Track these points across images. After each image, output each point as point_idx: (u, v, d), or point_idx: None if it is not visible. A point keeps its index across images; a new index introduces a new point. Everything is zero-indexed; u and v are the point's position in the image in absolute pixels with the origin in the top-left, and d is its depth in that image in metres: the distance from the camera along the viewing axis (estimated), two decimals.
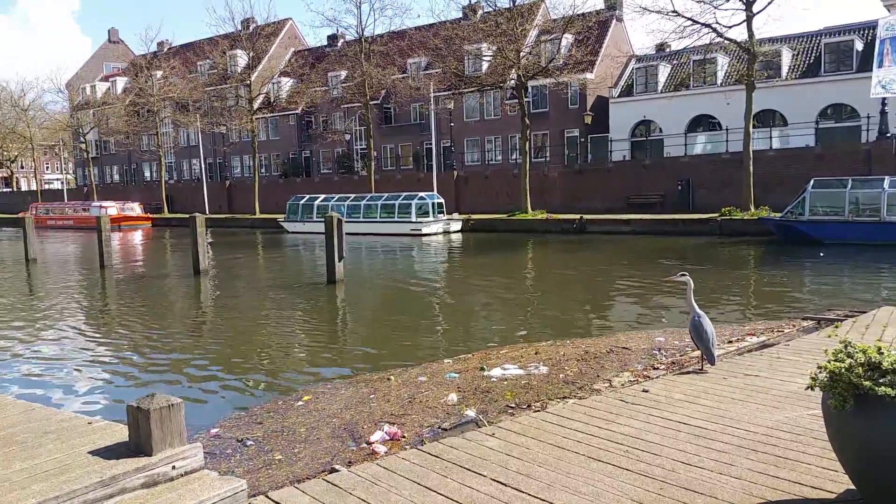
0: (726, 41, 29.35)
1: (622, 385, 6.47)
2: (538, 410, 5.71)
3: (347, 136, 51.62)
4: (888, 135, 28.41)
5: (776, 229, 24.42)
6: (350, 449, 5.35)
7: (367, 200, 36.27)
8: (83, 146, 64.75)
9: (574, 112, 42.58)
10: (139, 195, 58.70)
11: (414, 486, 3.95)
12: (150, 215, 51.74)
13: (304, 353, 10.42)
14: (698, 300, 6.66)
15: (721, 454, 4.25)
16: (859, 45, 34.74)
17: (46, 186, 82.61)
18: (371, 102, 43.51)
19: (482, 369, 7.67)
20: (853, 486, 3.45)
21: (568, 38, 38.41)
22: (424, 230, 32.99)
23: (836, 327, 8.15)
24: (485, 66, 41.59)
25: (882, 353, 3.14)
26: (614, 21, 44.56)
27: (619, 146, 40.16)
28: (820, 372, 3.28)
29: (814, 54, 36.46)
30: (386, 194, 36.76)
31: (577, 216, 32.24)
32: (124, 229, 46.32)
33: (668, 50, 41.76)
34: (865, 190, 22.35)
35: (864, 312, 9.20)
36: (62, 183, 74.15)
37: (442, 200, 35.46)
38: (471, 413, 5.96)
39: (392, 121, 51.71)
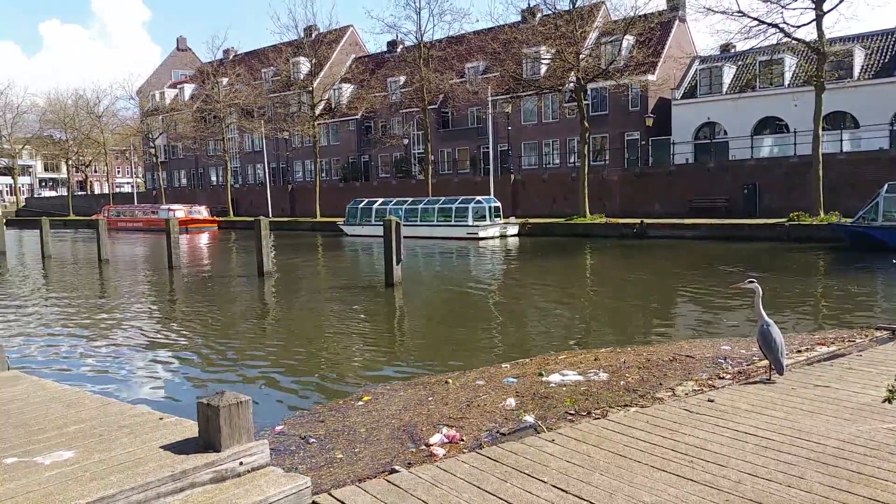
0: (794, 41, 28.39)
1: (686, 394, 6.33)
2: (598, 418, 5.65)
3: (405, 141, 52.12)
4: None
5: (847, 235, 23.46)
6: (409, 450, 5.39)
7: (425, 204, 36.50)
8: (152, 151, 67.31)
9: (635, 114, 41.92)
10: (206, 199, 60.59)
11: (474, 489, 3.96)
12: (216, 218, 53.24)
13: (364, 355, 10.56)
14: (766, 308, 6.47)
15: (790, 467, 4.11)
16: None
17: (118, 190, 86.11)
18: (429, 107, 43.80)
19: (540, 374, 7.63)
20: None
21: (629, 40, 37.83)
22: (481, 234, 32.99)
23: None
24: (543, 69, 41.35)
25: None
26: (677, 22, 43.71)
27: (682, 149, 39.30)
28: None
29: (889, 53, 34.91)
30: (443, 198, 36.92)
31: (638, 220, 31.69)
32: (191, 232, 47.80)
33: (732, 50, 40.69)
34: None
35: None
36: (132, 186, 77.11)
37: (499, 204, 35.39)
38: (529, 418, 5.93)
39: (449, 125, 51.94)
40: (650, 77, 40.17)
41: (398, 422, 6.21)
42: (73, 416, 4.85)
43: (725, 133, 38.91)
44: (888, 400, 3.21)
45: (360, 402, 7.16)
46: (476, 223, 33.64)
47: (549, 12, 36.67)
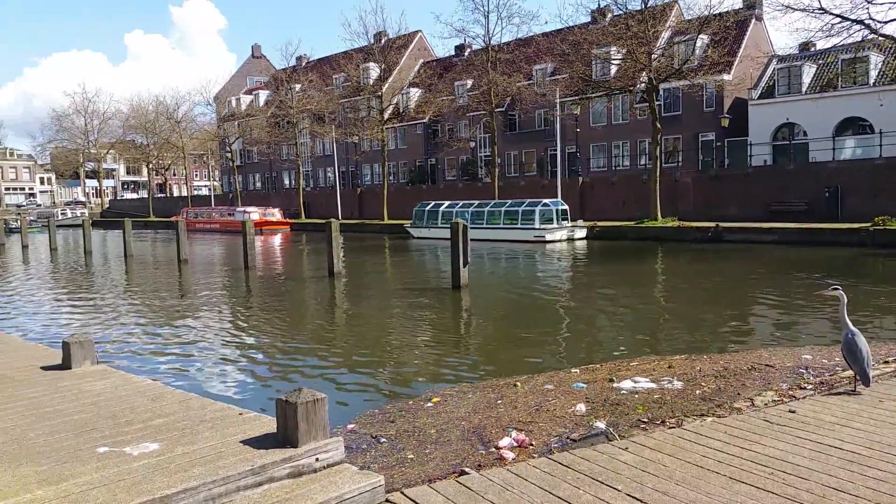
0: (881, 38, 27.04)
1: (765, 404, 6.11)
2: (673, 427, 5.51)
3: (472, 144, 52.20)
4: None
5: None
6: (479, 452, 5.40)
7: (491, 207, 36.43)
8: (228, 155, 69.68)
9: (709, 115, 40.76)
10: (279, 201, 62.30)
11: (545, 494, 3.94)
12: (289, 220, 54.67)
13: (432, 356, 10.63)
14: (851, 316, 6.19)
15: (878, 482, 3.93)
16: None
17: (195, 192, 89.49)
18: (496, 110, 43.74)
19: (611, 380, 7.51)
20: None
21: (703, 39, 36.82)
22: (548, 237, 32.70)
23: None
24: (613, 69, 40.70)
25: None
26: (753, 20, 42.26)
27: (760, 150, 37.97)
28: None
29: None
30: (510, 201, 36.76)
31: (713, 224, 30.78)
32: (265, 233, 49.21)
33: (812, 49, 39.08)
34: None
35: None
36: (209, 189, 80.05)
37: (566, 207, 34.98)
38: (600, 425, 5.84)
39: (516, 127, 51.73)
40: (725, 77, 38.97)
41: (467, 424, 6.23)
42: (158, 410, 5.07)
43: (805, 134, 37.38)
44: None
45: (430, 404, 7.21)
46: (543, 226, 33.37)
47: (621, 12, 36.07)
